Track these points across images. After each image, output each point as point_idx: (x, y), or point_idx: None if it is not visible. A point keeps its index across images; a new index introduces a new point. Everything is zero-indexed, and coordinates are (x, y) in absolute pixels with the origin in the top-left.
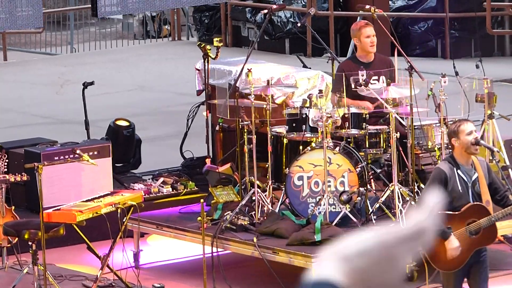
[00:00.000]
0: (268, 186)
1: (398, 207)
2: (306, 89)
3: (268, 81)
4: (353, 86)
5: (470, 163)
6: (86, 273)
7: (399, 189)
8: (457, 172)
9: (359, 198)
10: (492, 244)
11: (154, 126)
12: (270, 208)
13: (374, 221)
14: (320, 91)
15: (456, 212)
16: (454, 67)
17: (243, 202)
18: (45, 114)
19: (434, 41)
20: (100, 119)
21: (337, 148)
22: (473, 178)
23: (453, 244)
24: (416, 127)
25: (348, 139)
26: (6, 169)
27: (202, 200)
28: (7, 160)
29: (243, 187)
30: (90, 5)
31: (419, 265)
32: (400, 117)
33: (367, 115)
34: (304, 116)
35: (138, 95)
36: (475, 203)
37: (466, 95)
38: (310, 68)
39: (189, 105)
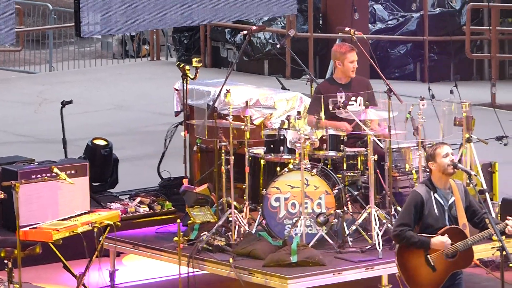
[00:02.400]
0: (245, 207)
1: (375, 230)
2: (284, 111)
3: (246, 102)
4: (331, 108)
5: (448, 187)
6: None
7: (376, 212)
8: (434, 196)
9: (336, 220)
10: (468, 267)
11: (132, 146)
12: (247, 229)
13: (350, 243)
14: (299, 113)
15: (433, 236)
16: (430, 90)
17: (220, 222)
18: (23, 133)
19: (413, 65)
20: (78, 138)
21: (315, 170)
22: (450, 201)
23: (440, 241)
24: (394, 149)
25: (326, 161)
26: None
27: (178, 220)
28: None
29: (220, 207)
30: (69, 24)
31: None
32: (378, 140)
33: (345, 137)
34: (282, 137)
35: (116, 115)
36: (452, 226)
37: (444, 119)
38: (288, 89)
39: (167, 125)
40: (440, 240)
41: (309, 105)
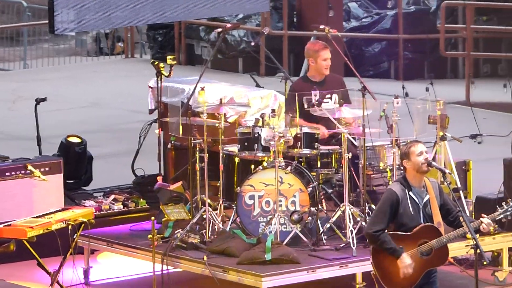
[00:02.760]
0: (219, 204)
1: (349, 228)
2: (258, 108)
3: (221, 100)
4: (305, 106)
5: (422, 185)
6: None
7: (350, 210)
8: (409, 194)
9: (310, 218)
10: (443, 265)
11: (106, 143)
12: (221, 226)
13: (324, 241)
14: (273, 111)
15: (408, 233)
16: (404, 88)
17: (194, 220)
18: None
19: (387, 63)
20: (52, 136)
21: (289, 168)
22: (425, 200)
23: (406, 261)
24: (368, 147)
25: (300, 159)
26: None
27: (153, 218)
28: None
29: (194, 205)
30: (43, 21)
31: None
32: (353, 138)
33: (319, 135)
34: (256, 135)
35: (90, 112)
36: (427, 224)
37: (418, 117)
38: (263, 87)
39: (142, 123)
40: (406, 262)
41: (285, 103)
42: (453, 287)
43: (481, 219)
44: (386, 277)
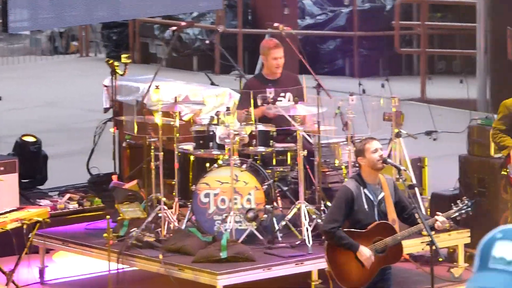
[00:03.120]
0: (174, 203)
1: (305, 225)
2: (213, 106)
3: (175, 98)
4: (260, 104)
5: (377, 182)
6: None
7: (305, 207)
8: (364, 191)
9: (266, 215)
10: (399, 263)
11: (61, 142)
12: (176, 225)
13: (280, 239)
14: (228, 109)
15: (363, 230)
16: (360, 85)
17: (149, 219)
18: None
19: (342, 60)
20: (7, 135)
21: (244, 166)
22: (380, 197)
23: (365, 253)
24: (323, 145)
25: (255, 157)
26: None
27: (108, 217)
28: None
29: (149, 203)
30: None
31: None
32: (308, 135)
33: (275, 133)
34: (211, 133)
35: (45, 111)
36: (381, 221)
37: (373, 114)
38: (218, 85)
39: (97, 122)
40: (366, 254)
41: (239, 101)
42: (409, 284)
43: (435, 217)
44: (341, 274)
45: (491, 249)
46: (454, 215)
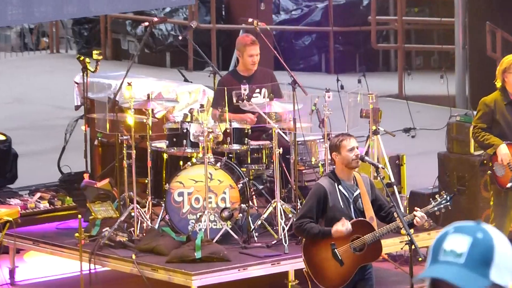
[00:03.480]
0: (147, 202)
1: (281, 224)
2: (187, 104)
3: (148, 95)
4: (234, 100)
5: (352, 179)
6: None
7: (281, 206)
8: (338, 188)
9: (241, 214)
10: (377, 262)
11: (31, 140)
12: (150, 224)
13: (256, 239)
14: (202, 106)
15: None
16: (338, 80)
17: (122, 218)
18: None
19: (318, 56)
20: None
21: (219, 164)
22: (355, 194)
23: (339, 228)
24: (299, 142)
25: (230, 155)
26: None
27: (80, 216)
28: None
29: (122, 203)
30: None
31: (302, 282)
32: (283, 132)
33: (249, 130)
34: (185, 131)
35: (15, 108)
36: (359, 219)
37: (350, 110)
38: (191, 82)
39: (68, 119)
40: (339, 227)
41: (213, 98)
42: (388, 284)
43: (414, 212)
44: (319, 273)
45: (443, 243)
46: (432, 210)
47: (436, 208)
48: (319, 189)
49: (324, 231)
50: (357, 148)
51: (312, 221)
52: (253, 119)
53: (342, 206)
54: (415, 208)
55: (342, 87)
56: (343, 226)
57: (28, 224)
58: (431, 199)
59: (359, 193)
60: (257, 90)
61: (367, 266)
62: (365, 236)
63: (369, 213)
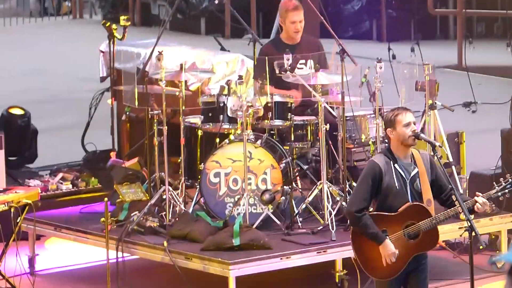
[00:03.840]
0: (180, 183)
1: (327, 208)
2: (224, 75)
3: (181, 65)
4: (277, 71)
5: (409, 157)
6: None
7: (328, 188)
8: (394, 166)
9: (283, 197)
10: (433, 250)
11: (52, 115)
12: (183, 208)
13: (299, 224)
14: (240, 77)
15: (393, 213)
16: (390, 49)
17: (152, 201)
18: None
19: (369, 22)
20: None
21: (259, 141)
22: (413, 173)
23: (389, 249)
24: (348, 118)
25: (272, 131)
26: None
27: (106, 199)
28: None
29: (152, 184)
30: None
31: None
32: (330, 107)
33: (293, 104)
34: (221, 105)
35: (34, 80)
36: (414, 203)
37: (404, 83)
38: (228, 51)
39: (92, 92)
40: (389, 250)
41: (254, 69)
42: (445, 275)
43: (475, 198)
44: (368, 263)
45: None
46: (496, 195)
47: (500, 193)
48: (373, 167)
49: (377, 236)
50: (414, 124)
51: (368, 207)
52: (298, 97)
53: (398, 187)
54: (476, 193)
55: (394, 57)
56: (391, 255)
57: (49, 207)
58: (494, 183)
59: (417, 172)
60: (302, 61)
61: (422, 256)
62: (420, 223)
63: (427, 195)
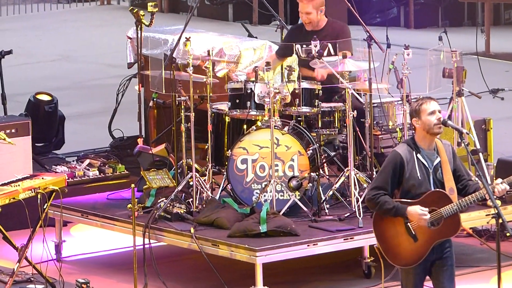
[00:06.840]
0: (207, 170)
1: (354, 195)
2: (251, 61)
3: (208, 51)
4: (303, 56)
5: (433, 147)
6: (2, 266)
7: (355, 175)
8: (417, 156)
9: (310, 184)
10: (460, 237)
11: (79, 101)
12: (210, 195)
13: (327, 211)
14: (268, 64)
15: (414, 200)
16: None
17: (179, 187)
18: None
19: (397, 9)
20: (19, 93)
21: (286, 128)
22: (435, 163)
23: (415, 211)
24: (375, 105)
25: (299, 118)
26: None
27: (133, 185)
28: None
29: (179, 171)
30: None
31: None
32: (358, 94)
33: (320, 91)
34: (249, 91)
35: (61, 66)
36: (437, 189)
37: (432, 70)
38: (256, 37)
39: (119, 78)
40: (417, 212)
41: (279, 47)
42: (472, 261)
43: (495, 183)
44: (390, 250)
45: None
46: None
47: None
48: (395, 157)
49: (399, 208)
50: (439, 112)
51: (387, 193)
52: (324, 74)
53: (420, 177)
54: (498, 178)
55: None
56: (421, 211)
57: (76, 194)
58: None
59: (440, 162)
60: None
61: (446, 243)
62: (441, 209)
63: (450, 184)
